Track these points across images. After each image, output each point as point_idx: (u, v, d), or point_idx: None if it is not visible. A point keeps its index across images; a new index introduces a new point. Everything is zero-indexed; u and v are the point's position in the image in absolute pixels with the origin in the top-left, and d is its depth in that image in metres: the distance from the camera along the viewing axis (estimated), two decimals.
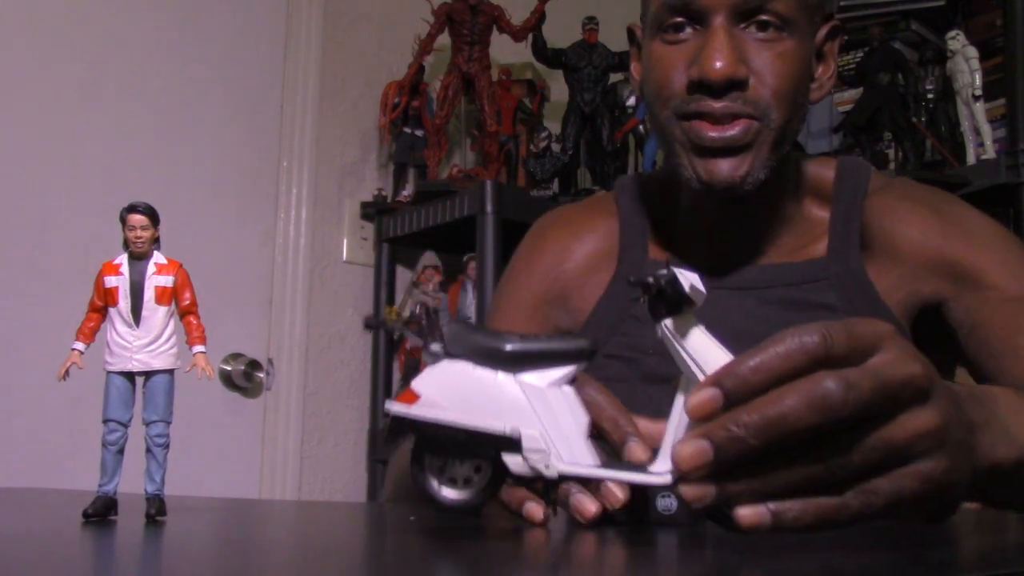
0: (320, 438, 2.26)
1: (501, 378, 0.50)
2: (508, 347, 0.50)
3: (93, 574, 0.47)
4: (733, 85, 0.88)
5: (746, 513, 0.48)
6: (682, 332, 0.49)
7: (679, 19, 0.91)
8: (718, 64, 0.87)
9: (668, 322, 0.49)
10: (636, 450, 0.59)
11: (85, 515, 0.62)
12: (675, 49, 0.92)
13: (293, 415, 2.22)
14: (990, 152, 1.89)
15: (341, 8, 2.38)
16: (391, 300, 2.30)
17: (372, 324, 0.60)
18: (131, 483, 0.65)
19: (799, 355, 0.48)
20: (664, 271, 0.48)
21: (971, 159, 1.93)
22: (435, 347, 0.51)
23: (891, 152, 2.07)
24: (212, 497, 1.12)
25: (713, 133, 0.89)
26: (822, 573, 0.47)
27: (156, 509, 0.63)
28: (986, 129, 1.91)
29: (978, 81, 1.91)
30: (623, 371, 1.00)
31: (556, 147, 2.26)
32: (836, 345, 0.49)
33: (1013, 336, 0.89)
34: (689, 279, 0.48)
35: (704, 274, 1.06)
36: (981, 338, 0.91)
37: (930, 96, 2.03)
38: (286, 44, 2.32)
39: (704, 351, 0.49)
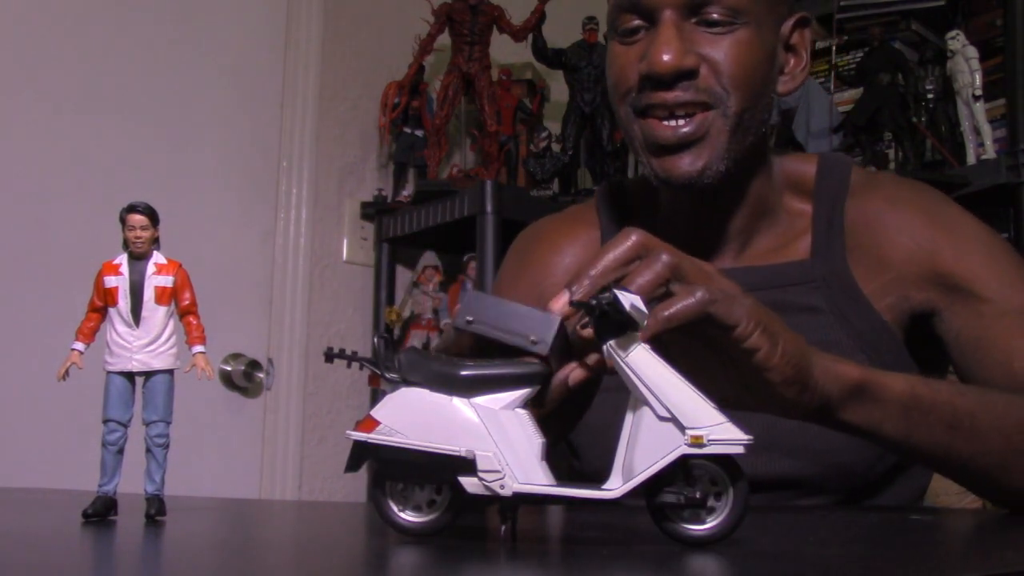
0: (320, 438, 2.26)
1: (456, 402, 0.52)
2: (462, 372, 0.52)
3: (93, 574, 0.47)
4: (682, 76, 0.89)
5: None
6: (626, 352, 0.52)
7: (632, 19, 0.92)
8: (665, 57, 0.88)
9: (612, 343, 0.52)
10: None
11: (85, 515, 0.62)
12: (629, 49, 0.92)
13: (293, 415, 2.22)
14: (990, 152, 1.89)
15: (341, 8, 2.38)
16: (391, 300, 2.30)
17: (329, 355, 0.60)
18: (131, 483, 0.65)
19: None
20: (606, 294, 0.51)
21: (971, 159, 1.93)
22: (392, 376, 0.53)
23: (891, 152, 2.07)
24: (212, 497, 1.12)
25: (667, 131, 0.90)
26: (822, 573, 0.47)
27: (156, 509, 0.63)
28: (986, 129, 1.91)
29: (978, 81, 1.91)
30: (610, 380, 1.00)
31: (556, 147, 2.26)
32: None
33: (1009, 360, 0.89)
34: (630, 300, 0.51)
35: None
36: (978, 359, 0.91)
37: (930, 96, 2.02)
38: (286, 44, 2.32)
39: (648, 369, 0.51)
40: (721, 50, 0.89)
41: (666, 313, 0.61)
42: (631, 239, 0.66)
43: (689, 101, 0.89)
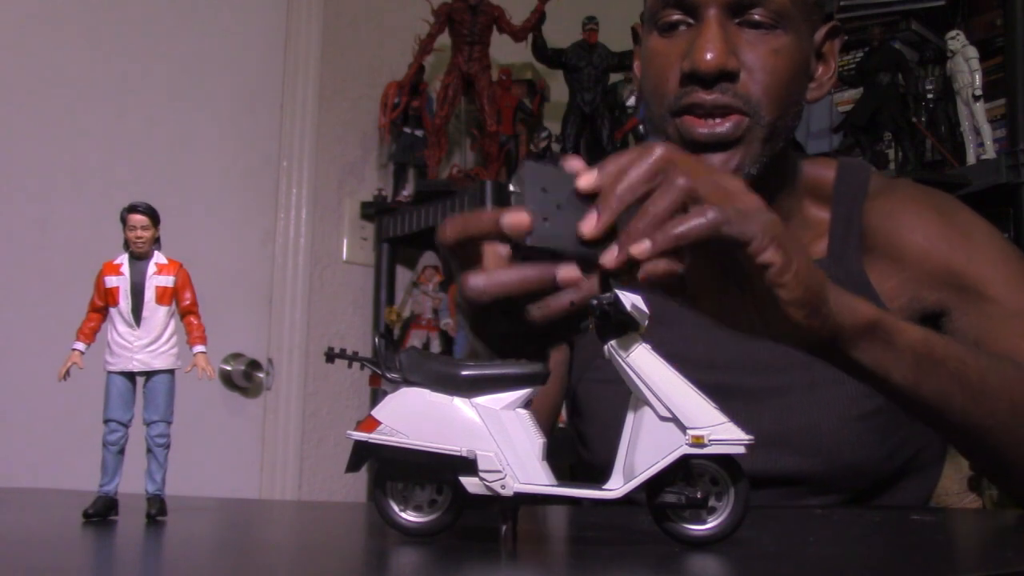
0: (320, 438, 2.26)
1: (457, 402, 0.52)
2: (463, 372, 0.52)
3: (93, 574, 0.47)
4: (723, 76, 0.89)
5: (636, 248, 0.58)
6: (627, 352, 0.51)
7: (674, 14, 0.92)
8: (708, 56, 0.88)
9: (613, 343, 0.52)
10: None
11: (85, 515, 0.62)
12: (670, 43, 0.93)
13: (293, 415, 2.22)
14: (990, 152, 1.89)
15: (341, 8, 2.38)
16: (391, 300, 2.30)
17: (330, 355, 0.61)
18: (131, 483, 0.65)
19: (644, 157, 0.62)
20: (607, 294, 0.51)
21: (971, 159, 1.93)
22: (392, 376, 0.53)
23: (891, 152, 2.07)
24: (212, 497, 1.12)
25: (703, 129, 0.90)
26: (822, 573, 0.47)
27: (156, 509, 0.63)
28: (986, 129, 1.91)
29: (978, 81, 1.91)
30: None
31: (556, 147, 2.25)
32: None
33: (1016, 358, 0.89)
34: (631, 300, 0.51)
35: None
36: None
37: (930, 96, 2.02)
38: (286, 44, 2.32)
39: (649, 369, 0.51)
40: (760, 57, 0.90)
41: (675, 232, 0.59)
42: (655, 154, 0.63)
43: (727, 104, 0.89)
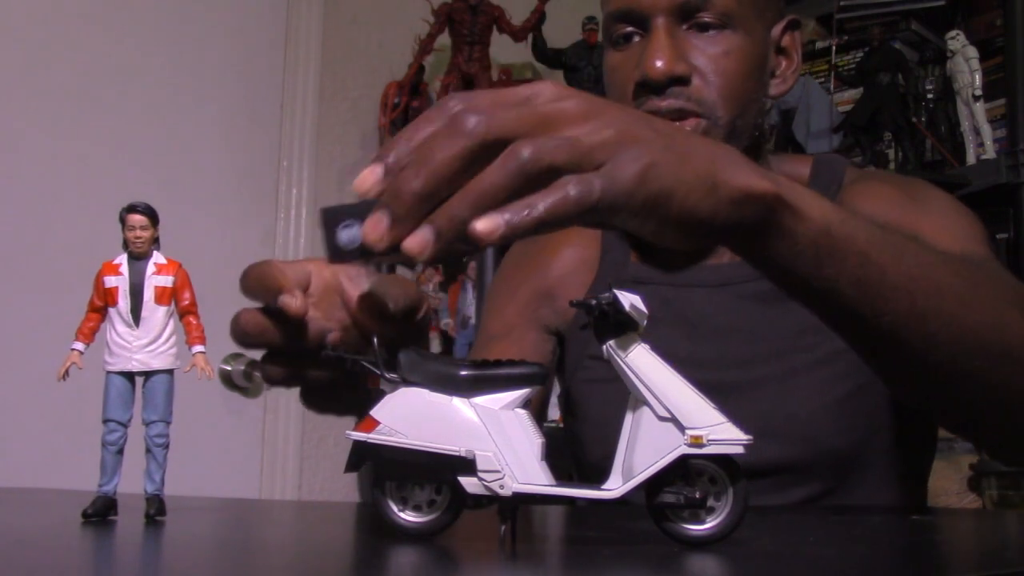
0: (320, 438, 2.26)
1: (456, 402, 0.52)
2: (462, 372, 0.52)
3: (93, 574, 0.47)
4: (674, 81, 0.90)
5: (483, 225, 0.49)
6: (626, 352, 0.51)
7: (625, 27, 0.94)
8: (658, 63, 0.89)
9: (612, 343, 0.52)
10: (289, 302, 0.65)
11: (85, 515, 0.62)
12: (625, 56, 0.94)
13: (293, 415, 2.22)
14: (990, 152, 1.90)
15: (341, 8, 2.38)
16: None
17: (328, 356, 0.62)
18: (131, 483, 0.65)
19: (437, 114, 0.51)
20: (605, 293, 0.51)
21: (971, 159, 1.93)
22: (391, 376, 0.53)
23: (891, 152, 2.07)
24: (212, 497, 1.12)
25: None
26: (822, 573, 0.47)
27: (156, 509, 0.63)
28: (986, 129, 1.91)
29: (978, 81, 1.91)
30: (608, 371, 1.00)
31: None
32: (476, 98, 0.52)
33: None
34: (630, 300, 0.50)
35: (682, 274, 1.07)
36: None
37: (930, 96, 2.03)
38: (286, 44, 2.32)
39: (647, 369, 0.51)
40: (711, 59, 0.91)
41: (532, 214, 0.50)
42: (438, 114, 0.51)
43: (681, 108, 0.90)
